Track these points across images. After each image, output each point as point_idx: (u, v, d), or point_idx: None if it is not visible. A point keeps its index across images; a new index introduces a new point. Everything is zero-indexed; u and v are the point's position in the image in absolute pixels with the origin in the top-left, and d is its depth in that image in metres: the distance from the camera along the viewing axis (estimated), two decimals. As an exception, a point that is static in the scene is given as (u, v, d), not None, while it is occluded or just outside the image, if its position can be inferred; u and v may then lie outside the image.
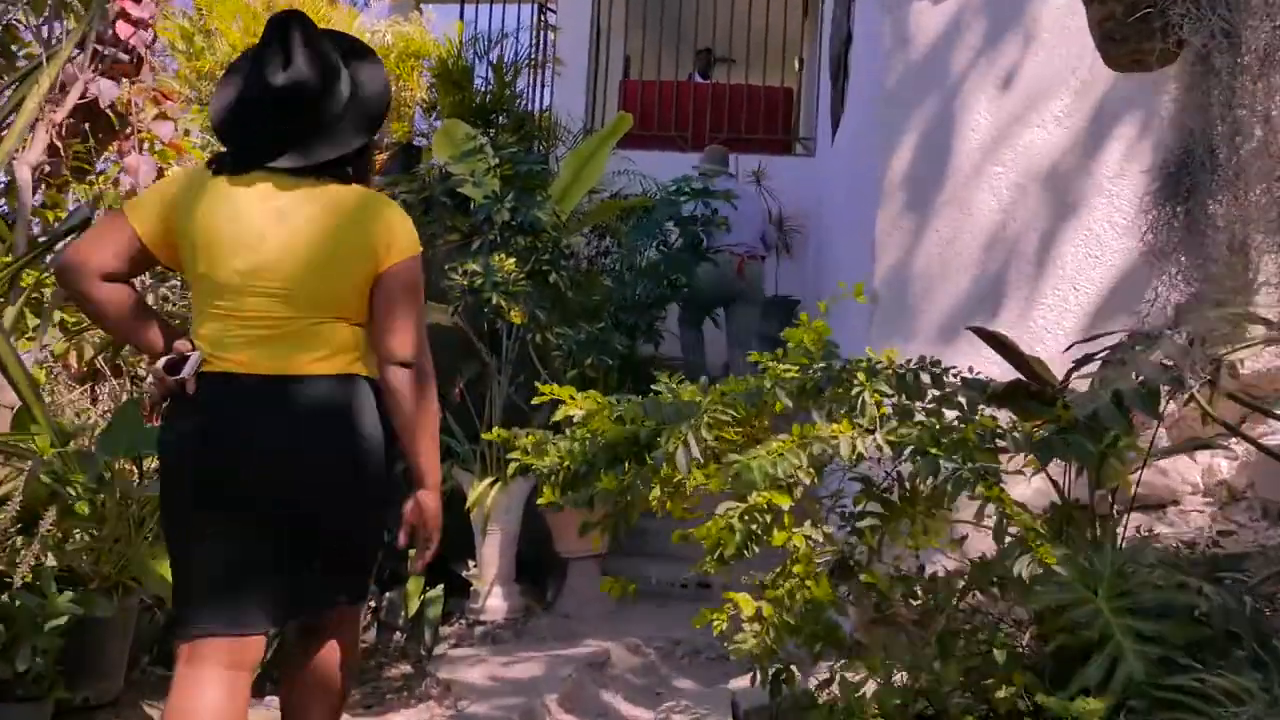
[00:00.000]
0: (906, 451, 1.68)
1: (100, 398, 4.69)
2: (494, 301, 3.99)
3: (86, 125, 4.29)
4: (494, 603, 4.22)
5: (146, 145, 4.82)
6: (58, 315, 4.43)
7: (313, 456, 1.82)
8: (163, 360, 1.83)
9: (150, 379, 1.85)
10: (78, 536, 2.51)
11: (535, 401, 1.93)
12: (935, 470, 1.61)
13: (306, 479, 1.82)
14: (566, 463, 1.80)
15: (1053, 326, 3.15)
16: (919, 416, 1.87)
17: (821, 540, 1.78)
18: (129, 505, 2.67)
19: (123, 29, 4.27)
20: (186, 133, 5.68)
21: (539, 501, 2.03)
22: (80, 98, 3.44)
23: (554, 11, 8.08)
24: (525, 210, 4.56)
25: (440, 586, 4.06)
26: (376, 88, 1.95)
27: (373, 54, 2.05)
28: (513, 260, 4.10)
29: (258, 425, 1.81)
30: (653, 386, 2.07)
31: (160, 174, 4.96)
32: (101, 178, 5.28)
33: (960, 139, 3.21)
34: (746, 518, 1.62)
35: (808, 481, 1.72)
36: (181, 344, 1.84)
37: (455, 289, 4.18)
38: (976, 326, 2.31)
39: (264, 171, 1.84)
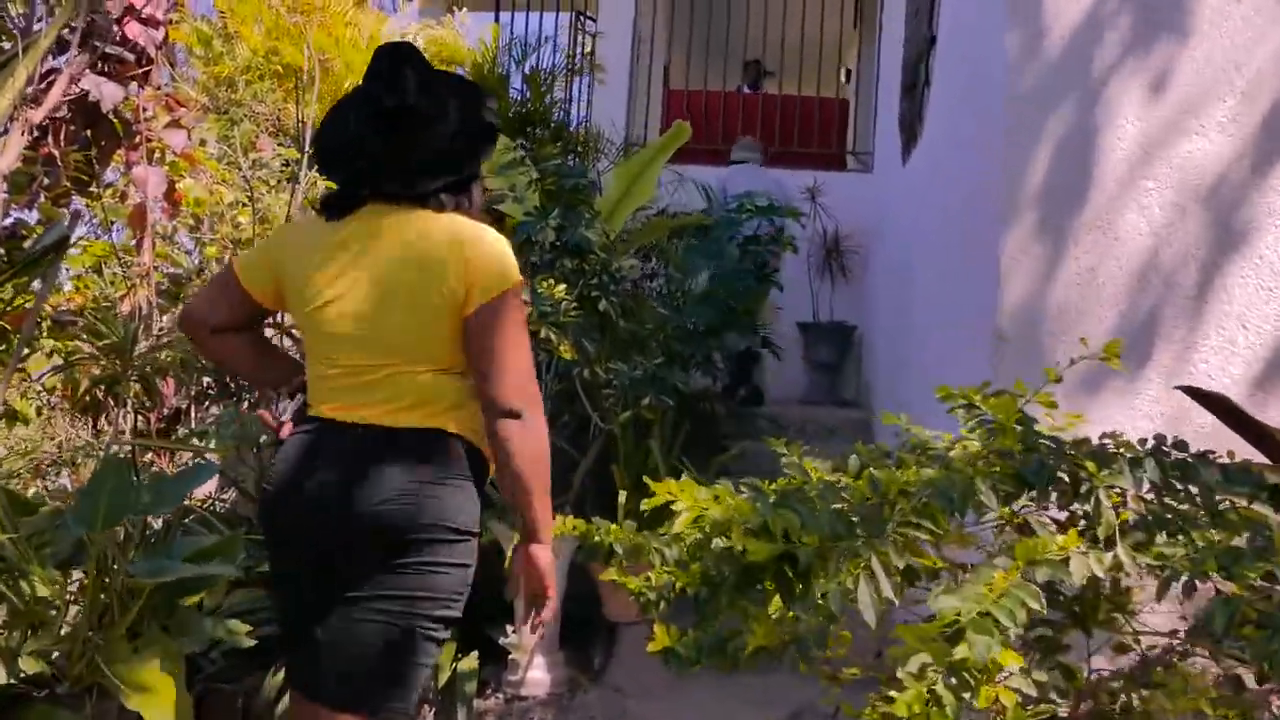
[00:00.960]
0: (1180, 580, 1.17)
1: (104, 429, 4.25)
2: (541, 335, 3.50)
3: (88, 132, 3.86)
4: (535, 675, 3.71)
5: (156, 155, 4.38)
6: (48, 343, 3.98)
7: (352, 512, 1.68)
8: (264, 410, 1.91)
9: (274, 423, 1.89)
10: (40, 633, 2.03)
11: (646, 506, 1.43)
12: (1232, 617, 1.10)
13: (350, 540, 1.70)
14: (680, 582, 1.30)
15: (1217, 372, 2.63)
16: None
17: (1034, 693, 1.27)
18: (108, 586, 2.18)
19: (131, 28, 3.84)
20: (202, 143, 5.25)
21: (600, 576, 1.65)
22: (67, 96, 2.97)
23: (593, 20, 7.64)
24: (572, 229, 4.08)
25: (474, 654, 3.57)
26: (484, 119, 1.86)
27: (479, 88, 1.97)
28: (562, 286, 3.60)
29: (314, 477, 1.73)
30: (782, 464, 1.58)
31: (171, 186, 4.53)
32: (109, 190, 4.85)
33: (1104, 150, 2.70)
34: (954, 680, 1.12)
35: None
36: (284, 389, 1.92)
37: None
38: (1189, 387, 1.80)
39: (361, 211, 1.80)
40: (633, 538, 1.44)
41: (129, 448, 3.22)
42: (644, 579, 1.34)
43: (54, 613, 1.96)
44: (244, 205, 4.71)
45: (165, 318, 4.90)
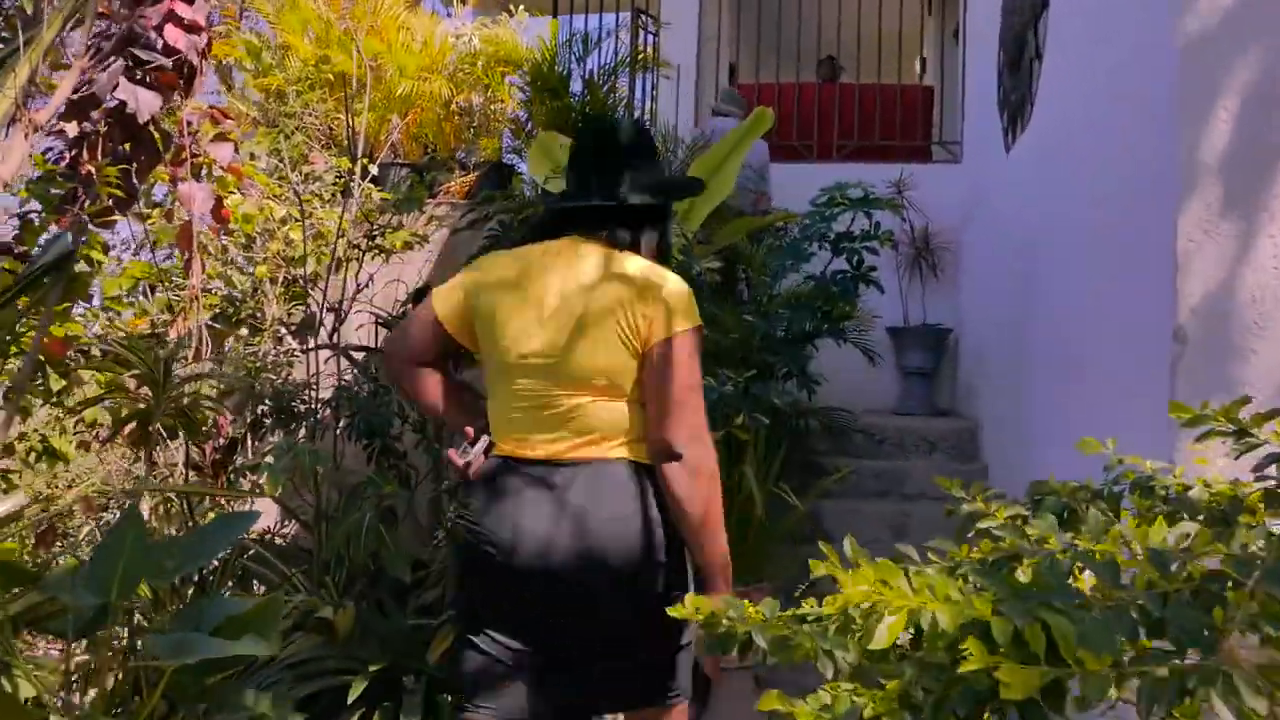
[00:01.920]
0: None
1: (158, 462, 3.96)
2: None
3: (127, 146, 3.58)
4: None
5: (204, 170, 4.10)
6: (87, 374, 3.69)
7: (577, 547, 1.74)
8: (454, 449, 1.89)
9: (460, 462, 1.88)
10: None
11: (815, 573, 1.02)
12: None
13: (571, 574, 1.74)
14: (872, 711, 0.89)
15: None
16: None
17: None
18: (126, 664, 1.83)
19: (171, 33, 3.55)
20: (252, 156, 4.97)
21: None
22: (78, 94, 2.66)
23: (653, 18, 7.28)
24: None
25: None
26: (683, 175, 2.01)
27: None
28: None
29: (524, 513, 1.77)
30: (984, 523, 1.16)
31: (219, 203, 4.24)
32: (157, 210, 4.59)
33: (1306, 103, 2.23)
34: None
35: None
36: (470, 429, 1.89)
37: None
38: None
39: (556, 244, 1.87)
40: (782, 626, 1.03)
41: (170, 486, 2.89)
42: (819, 705, 0.92)
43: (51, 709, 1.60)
44: (295, 220, 4.41)
45: (225, 342, 4.64)
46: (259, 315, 4.49)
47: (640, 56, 6.18)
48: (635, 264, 1.82)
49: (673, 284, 1.80)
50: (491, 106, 5.76)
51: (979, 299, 5.53)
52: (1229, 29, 2.26)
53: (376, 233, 4.51)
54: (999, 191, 4.91)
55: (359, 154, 4.63)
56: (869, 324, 4.33)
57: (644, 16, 7.46)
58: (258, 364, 4.20)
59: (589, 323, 1.75)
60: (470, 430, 1.86)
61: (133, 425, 3.68)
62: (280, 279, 4.38)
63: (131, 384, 3.37)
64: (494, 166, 5.70)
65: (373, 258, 4.73)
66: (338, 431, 3.74)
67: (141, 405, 3.03)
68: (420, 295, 4.37)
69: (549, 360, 1.77)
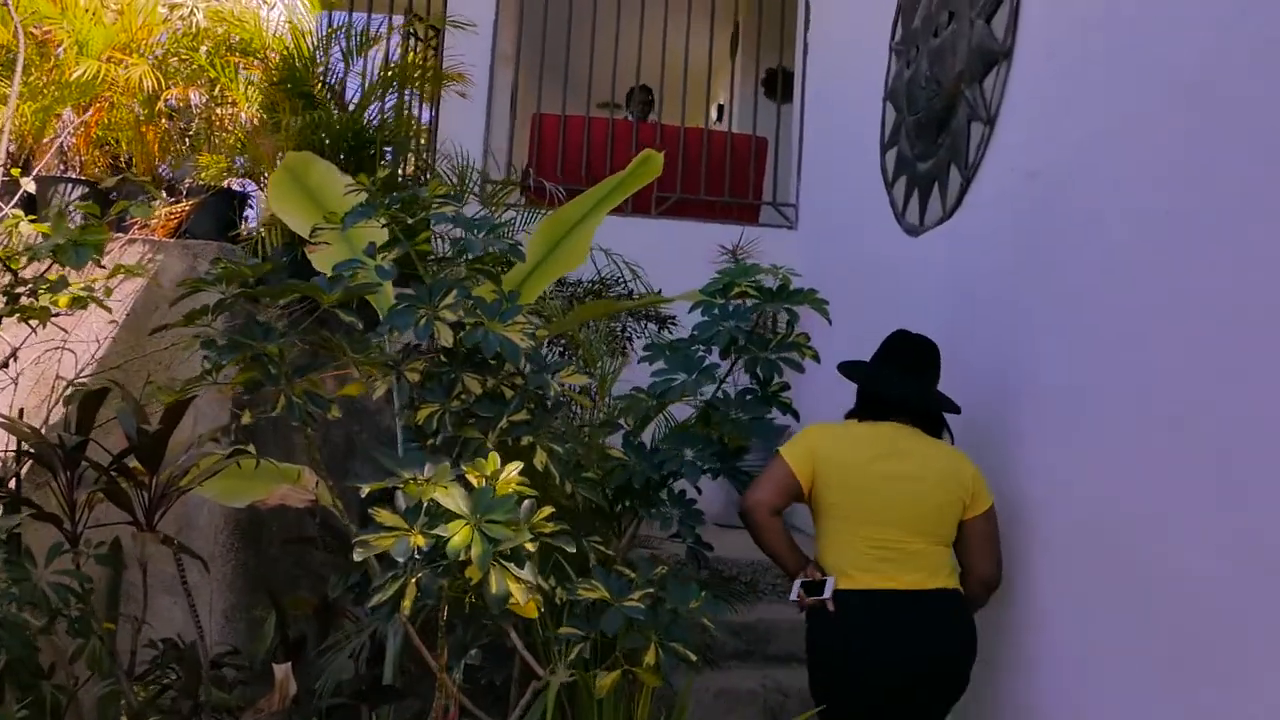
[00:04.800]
0: None
1: None
2: (460, 560, 1.73)
3: None
4: None
5: None
6: None
7: (943, 659, 2.43)
8: (799, 582, 2.46)
9: (794, 596, 2.46)
10: None
11: None
12: None
13: (938, 679, 2.43)
14: None
15: None
16: None
17: None
18: None
19: None
20: None
21: None
22: None
23: (434, 27, 5.90)
24: (482, 328, 2.35)
25: None
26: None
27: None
28: (513, 463, 1.88)
29: (901, 633, 2.38)
30: None
31: None
32: None
33: None
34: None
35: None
36: (812, 569, 2.48)
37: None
38: None
39: (885, 423, 2.60)
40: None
41: None
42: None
43: None
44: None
45: None
46: None
47: (423, 68, 4.79)
48: (947, 448, 2.65)
49: (976, 469, 2.58)
50: (219, 110, 4.16)
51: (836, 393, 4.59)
52: None
53: (21, 290, 2.85)
54: (886, 275, 3.98)
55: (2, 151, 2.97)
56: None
57: (417, 19, 6.06)
58: None
59: (938, 493, 2.50)
60: (813, 571, 2.48)
61: None
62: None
63: None
64: (219, 195, 4.08)
65: (19, 319, 3.04)
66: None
67: None
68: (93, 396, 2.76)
69: (903, 516, 2.47)
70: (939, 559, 2.47)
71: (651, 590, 2.03)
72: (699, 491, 2.82)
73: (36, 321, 3.01)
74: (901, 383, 2.63)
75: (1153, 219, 2.22)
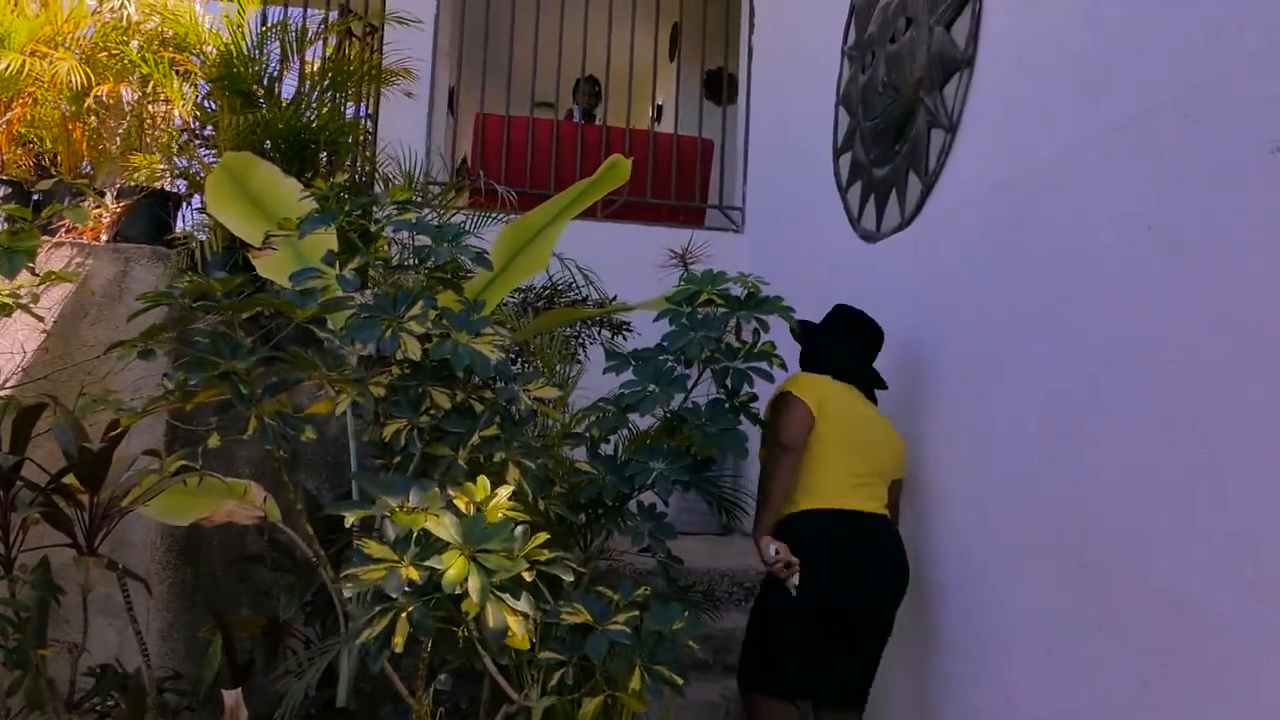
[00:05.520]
0: None
1: None
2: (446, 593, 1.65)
3: None
4: None
5: None
6: None
7: (898, 574, 2.87)
8: (775, 546, 2.73)
9: (773, 553, 2.70)
10: None
11: None
12: None
13: (894, 591, 2.85)
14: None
15: None
16: None
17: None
18: None
19: None
20: None
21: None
22: None
23: (372, 25, 5.73)
24: (449, 340, 2.26)
25: None
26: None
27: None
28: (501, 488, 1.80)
29: (880, 552, 2.86)
30: None
31: None
32: None
33: None
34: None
35: None
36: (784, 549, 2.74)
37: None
38: None
39: (852, 385, 3.04)
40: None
41: None
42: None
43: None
44: None
45: None
46: None
47: (367, 64, 4.65)
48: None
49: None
50: (151, 107, 3.97)
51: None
52: None
53: (-55, 297, 2.67)
54: (840, 279, 3.98)
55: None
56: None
57: (354, 16, 5.89)
58: None
59: (893, 443, 3.05)
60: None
61: None
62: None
63: None
64: (152, 196, 3.89)
65: (-62, 327, 2.86)
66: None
67: None
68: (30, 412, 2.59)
69: (875, 456, 2.95)
70: (885, 498, 2.94)
71: (635, 613, 1.97)
72: (666, 504, 2.78)
73: (-42, 331, 2.83)
74: (866, 359, 3.15)
75: (1134, 227, 2.23)
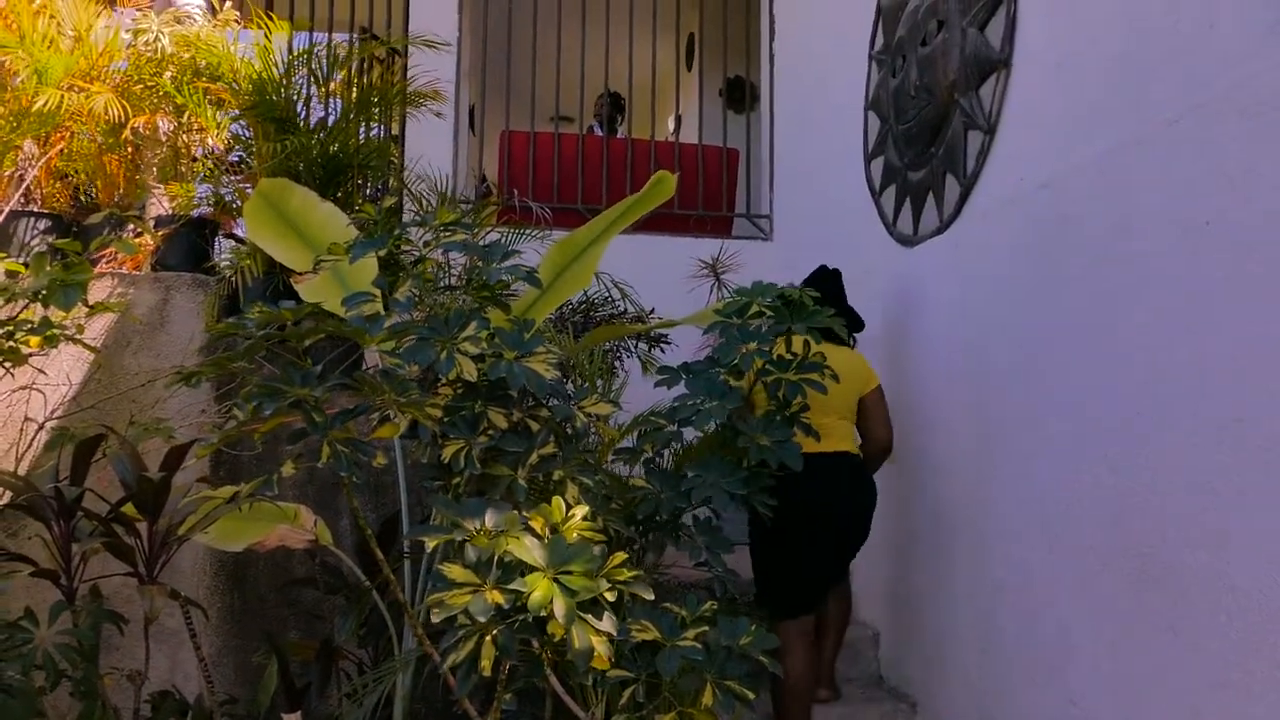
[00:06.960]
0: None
1: None
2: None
3: None
4: None
5: None
6: None
7: (866, 498, 3.27)
8: None
9: None
10: None
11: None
12: None
13: (863, 512, 3.26)
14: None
15: None
16: None
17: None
18: None
19: None
20: None
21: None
22: None
23: (398, 51, 5.76)
24: (504, 360, 2.27)
25: None
26: None
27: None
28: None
29: (846, 484, 3.24)
30: None
31: None
32: None
33: None
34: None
35: None
36: None
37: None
38: None
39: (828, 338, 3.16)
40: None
41: None
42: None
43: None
44: None
45: None
46: None
47: (397, 87, 4.68)
48: (857, 355, 3.42)
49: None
50: (187, 137, 4.01)
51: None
52: None
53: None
54: (875, 284, 3.97)
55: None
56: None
57: (376, 40, 5.92)
58: None
59: (848, 385, 3.25)
60: None
61: None
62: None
63: None
64: (189, 224, 3.93)
65: (-7, 363, 2.88)
66: None
67: None
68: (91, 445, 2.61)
69: (841, 401, 3.26)
70: (851, 432, 3.30)
71: (705, 628, 1.97)
72: (719, 517, 2.77)
73: (10, 364, 2.86)
74: (844, 307, 3.51)
75: (1190, 224, 2.22)
